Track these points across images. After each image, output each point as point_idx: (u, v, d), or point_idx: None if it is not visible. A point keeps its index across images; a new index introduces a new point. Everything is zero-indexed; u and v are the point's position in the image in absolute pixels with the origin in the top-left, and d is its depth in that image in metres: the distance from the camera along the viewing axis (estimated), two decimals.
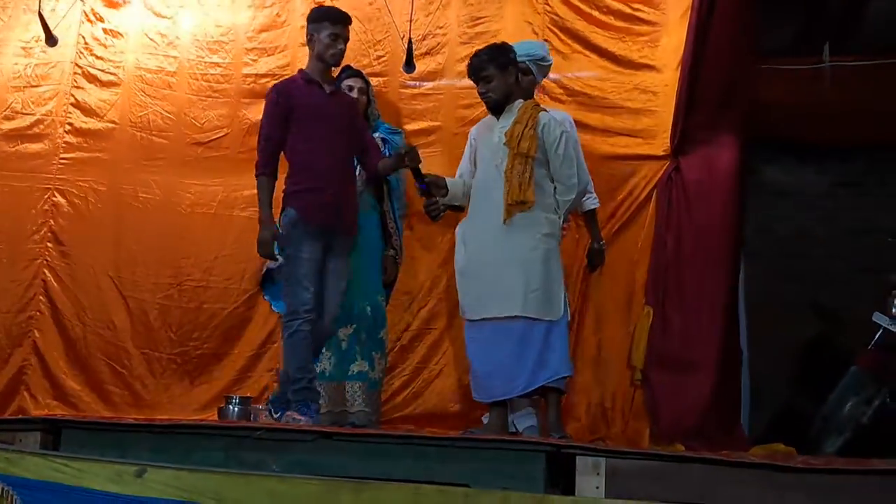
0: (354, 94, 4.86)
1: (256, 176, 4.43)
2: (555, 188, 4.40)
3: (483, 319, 4.33)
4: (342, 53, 4.50)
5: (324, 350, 4.70)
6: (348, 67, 4.98)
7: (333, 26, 4.47)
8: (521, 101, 4.50)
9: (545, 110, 4.48)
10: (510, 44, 4.58)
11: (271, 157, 4.44)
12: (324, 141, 4.44)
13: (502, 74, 4.40)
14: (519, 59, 4.53)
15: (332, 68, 4.58)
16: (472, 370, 4.41)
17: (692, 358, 4.78)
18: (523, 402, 4.47)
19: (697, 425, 4.70)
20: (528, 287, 4.24)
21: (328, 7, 4.70)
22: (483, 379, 4.34)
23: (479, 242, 4.39)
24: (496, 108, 4.47)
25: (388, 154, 4.80)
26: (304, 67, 4.58)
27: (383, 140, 4.94)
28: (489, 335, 4.30)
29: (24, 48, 5.59)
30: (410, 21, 4.94)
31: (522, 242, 4.29)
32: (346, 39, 4.52)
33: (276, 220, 4.45)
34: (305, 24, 4.57)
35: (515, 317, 4.25)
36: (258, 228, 4.38)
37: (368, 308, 4.80)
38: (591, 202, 4.83)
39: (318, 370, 4.62)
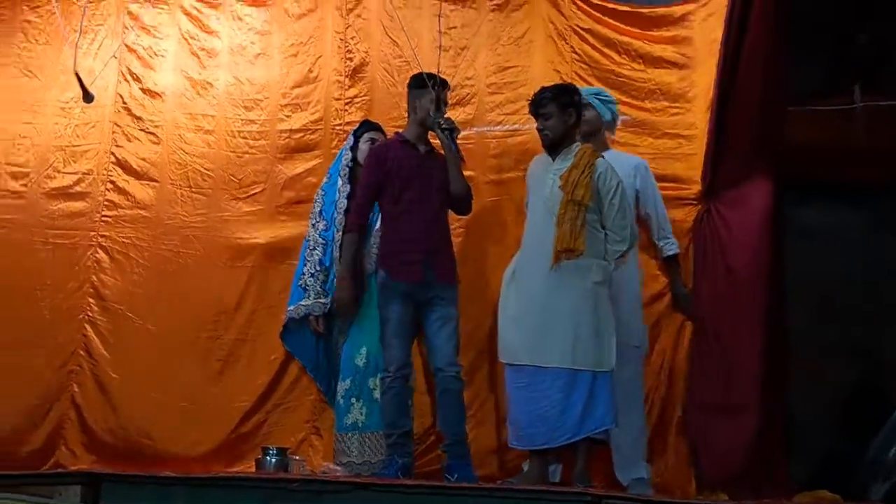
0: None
1: (345, 233, 4.74)
2: (606, 235, 4.36)
3: (526, 365, 4.28)
4: (449, 118, 4.69)
5: (354, 401, 4.75)
6: (367, 122, 5.14)
7: (442, 93, 4.71)
8: (580, 144, 4.49)
9: (602, 157, 4.45)
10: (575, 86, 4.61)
11: (361, 217, 4.73)
12: (415, 202, 4.64)
13: (562, 114, 4.42)
14: (585, 96, 4.64)
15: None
16: (511, 417, 4.36)
17: (733, 402, 4.73)
18: (560, 452, 4.40)
19: (741, 471, 4.63)
20: (578, 337, 4.20)
21: (430, 74, 4.80)
22: (525, 427, 4.28)
23: (529, 286, 4.35)
24: (552, 148, 4.46)
25: None
26: (400, 130, 4.83)
27: None
28: (534, 381, 4.24)
29: (62, 108, 5.69)
30: (437, 71, 4.97)
31: (573, 290, 4.26)
32: (447, 102, 4.72)
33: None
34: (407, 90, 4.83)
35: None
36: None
37: None
38: (670, 247, 4.81)
39: (350, 422, 4.72)
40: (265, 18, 5.73)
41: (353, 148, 5.09)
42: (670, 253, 4.77)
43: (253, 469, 4.68)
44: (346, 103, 5.54)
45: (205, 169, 5.54)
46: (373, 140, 5.02)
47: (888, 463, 4.90)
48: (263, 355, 5.26)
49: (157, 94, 5.68)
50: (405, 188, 4.66)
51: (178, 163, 5.56)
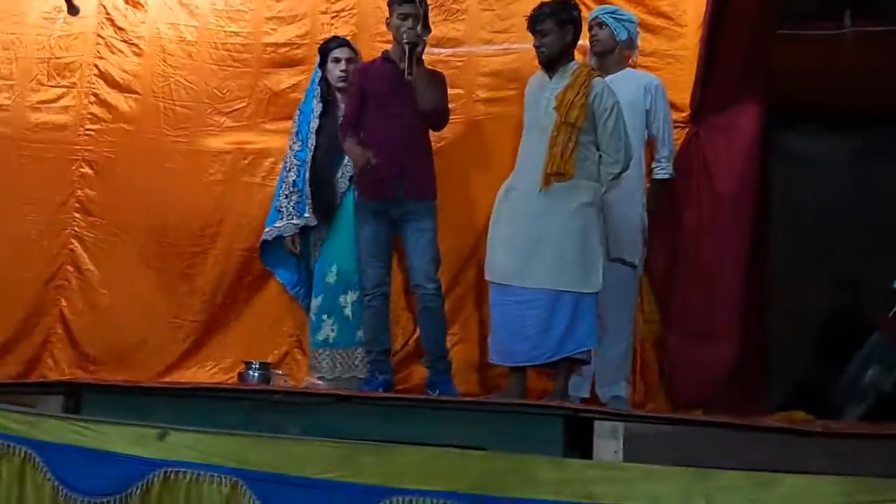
0: (342, 66, 4.92)
1: (342, 142, 4.71)
2: (600, 157, 4.33)
3: (511, 285, 4.28)
4: (415, 32, 4.58)
5: (325, 317, 4.78)
6: (335, 38, 5.07)
7: (401, 6, 4.62)
8: (577, 62, 4.43)
9: (600, 76, 4.39)
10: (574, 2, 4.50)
11: (349, 129, 4.70)
12: (388, 119, 4.63)
13: (560, 31, 4.33)
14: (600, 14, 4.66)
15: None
16: (493, 333, 4.37)
17: (712, 329, 4.76)
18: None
19: (717, 394, 4.68)
20: (563, 258, 4.20)
21: None
22: (507, 343, 4.28)
23: (519, 207, 4.32)
24: (548, 65, 4.39)
25: None
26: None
27: None
28: (518, 300, 4.24)
29: (45, 18, 5.59)
30: None
31: (561, 211, 4.23)
32: (417, 17, 4.61)
33: None
34: None
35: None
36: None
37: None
38: (661, 171, 4.75)
39: (322, 338, 4.76)
40: None
41: (322, 65, 5.02)
42: (659, 176, 4.72)
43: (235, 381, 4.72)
44: (333, 17, 5.45)
45: (187, 82, 5.47)
46: (337, 59, 4.95)
47: (863, 385, 4.98)
48: (248, 269, 5.27)
49: (140, 3, 5.58)
50: (380, 105, 4.65)
51: (160, 75, 5.49)
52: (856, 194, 6.93)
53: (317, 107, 5.00)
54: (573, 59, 4.43)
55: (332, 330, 4.80)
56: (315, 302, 4.89)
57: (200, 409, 3.86)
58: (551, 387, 4.32)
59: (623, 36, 4.74)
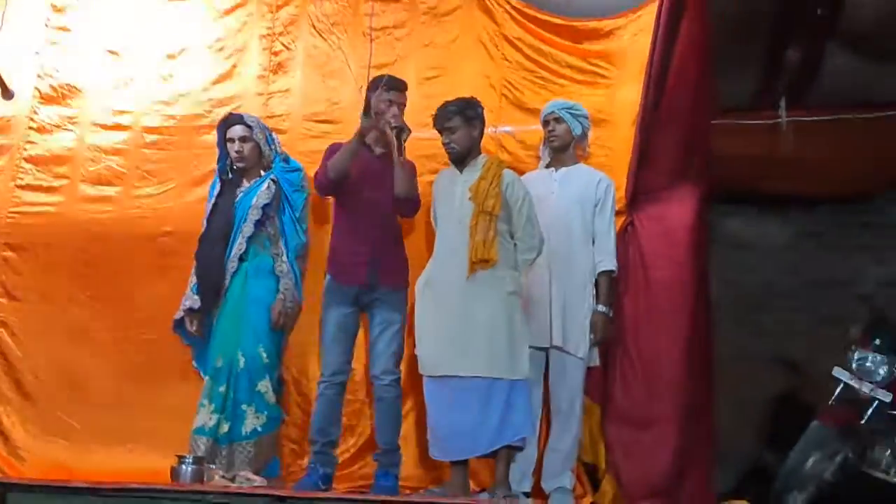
0: (237, 146, 4.87)
1: (322, 192, 4.78)
2: (515, 245, 4.38)
3: (445, 376, 4.27)
4: (399, 117, 4.60)
5: (206, 402, 4.64)
6: (231, 115, 5.01)
7: (387, 92, 4.64)
8: (486, 156, 4.52)
9: (507, 168, 4.49)
10: (477, 99, 4.58)
11: (321, 179, 4.70)
12: (364, 204, 4.63)
13: (467, 127, 4.43)
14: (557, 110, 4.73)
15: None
16: (430, 428, 4.33)
17: (654, 416, 4.72)
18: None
19: (663, 485, 4.63)
20: (493, 346, 4.21)
21: (385, 76, 4.77)
22: (445, 438, 4.26)
23: (444, 297, 4.34)
24: (458, 160, 4.48)
25: (282, 193, 4.86)
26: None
27: (274, 181, 4.89)
28: (451, 393, 4.23)
29: None
30: (368, 73, 4.93)
31: (487, 300, 4.26)
32: (402, 104, 4.65)
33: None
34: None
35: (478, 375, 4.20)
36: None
37: (242, 359, 4.67)
38: (605, 263, 4.66)
39: (200, 423, 4.60)
40: (190, 13, 5.61)
41: (221, 143, 4.96)
42: (603, 269, 4.69)
43: (168, 477, 4.56)
44: (269, 97, 5.44)
45: (118, 166, 5.41)
46: (231, 139, 4.87)
47: (804, 475, 4.95)
48: (177, 351, 5.07)
49: (77, 88, 5.54)
50: (355, 189, 4.65)
51: (90, 160, 5.42)
52: (796, 277, 7.03)
53: (215, 186, 4.95)
54: (480, 152, 4.53)
55: (210, 418, 4.61)
56: (206, 383, 4.72)
57: None
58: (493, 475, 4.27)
59: (578, 131, 4.79)
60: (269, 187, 4.88)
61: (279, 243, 4.87)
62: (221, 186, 4.93)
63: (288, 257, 4.86)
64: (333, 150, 4.75)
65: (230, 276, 4.77)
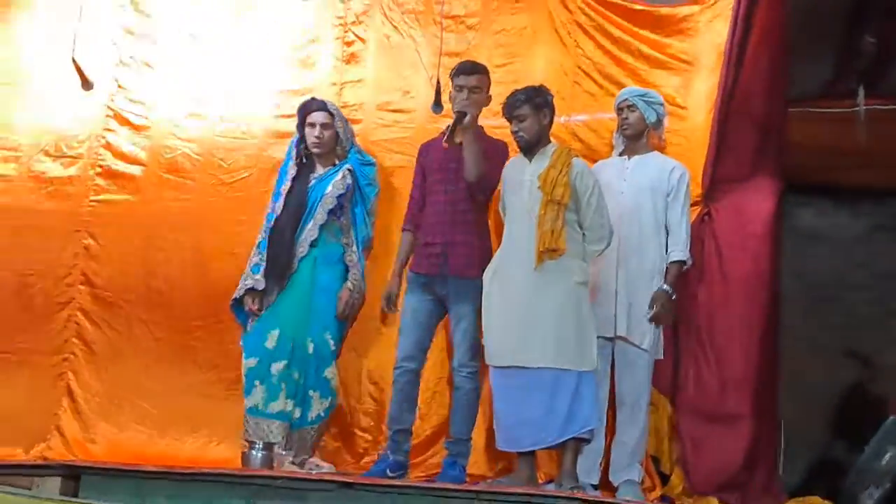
0: (317, 132, 4.89)
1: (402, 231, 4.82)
2: (584, 235, 4.34)
3: (512, 367, 4.25)
4: (467, 103, 4.57)
5: (258, 383, 4.68)
6: (314, 100, 5.01)
7: (457, 77, 4.63)
8: (555, 144, 4.48)
9: (578, 156, 4.45)
10: (546, 87, 4.54)
11: (410, 215, 4.79)
12: (438, 193, 4.67)
13: (536, 115, 4.39)
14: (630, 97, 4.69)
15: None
16: (497, 419, 4.32)
17: (727, 411, 4.66)
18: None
19: (733, 479, 4.58)
20: (561, 337, 4.18)
21: (460, 62, 4.77)
22: (511, 429, 4.25)
23: (511, 287, 4.31)
24: (527, 149, 4.44)
25: (356, 185, 4.93)
26: None
27: (351, 171, 4.94)
28: (519, 383, 4.21)
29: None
30: (440, 61, 4.91)
31: (555, 290, 4.23)
32: (477, 89, 4.63)
33: None
34: None
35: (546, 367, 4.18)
36: None
37: (311, 345, 4.73)
38: (677, 253, 4.58)
39: (252, 404, 4.66)
40: (264, 2, 5.63)
41: (301, 126, 4.98)
42: (674, 259, 4.59)
43: (239, 463, 4.61)
44: (341, 87, 5.43)
45: (194, 154, 5.45)
46: (312, 124, 4.91)
47: (880, 470, 4.88)
48: None
49: (150, 65, 5.61)
50: (434, 181, 4.70)
51: (168, 147, 5.47)
52: (868, 270, 6.90)
53: (291, 169, 4.94)
54: (550, 141, 4.48)
55: (261, 397, 4.66)
56: (249, 363, 4.73)
57: (201, 494, 3.79)
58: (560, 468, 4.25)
59: (652, 118, 4.72)
60: (344, 177, 4.91)
61: (350, 233, 4.92)
62: (298, 169, 4.94)
63: (357, 248, 4.91)
64: (421, 150, 4.85)
65: (298, 260, 4.80)
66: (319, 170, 4.97)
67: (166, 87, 5.57)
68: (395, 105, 5.36)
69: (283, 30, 5.58)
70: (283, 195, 4.89)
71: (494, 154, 4.65)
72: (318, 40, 5.54)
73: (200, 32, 5.63)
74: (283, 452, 4.58)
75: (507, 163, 4.60)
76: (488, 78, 4.73)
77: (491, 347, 4.35)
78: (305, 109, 4.96)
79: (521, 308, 4.25)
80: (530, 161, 4.44)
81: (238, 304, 4.90)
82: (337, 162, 4.99)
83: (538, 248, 4.23)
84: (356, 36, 5.50)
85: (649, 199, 4.56)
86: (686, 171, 4.68)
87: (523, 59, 5.29)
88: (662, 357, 4.61)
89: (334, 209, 4.86)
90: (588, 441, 4.26)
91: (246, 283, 4.84)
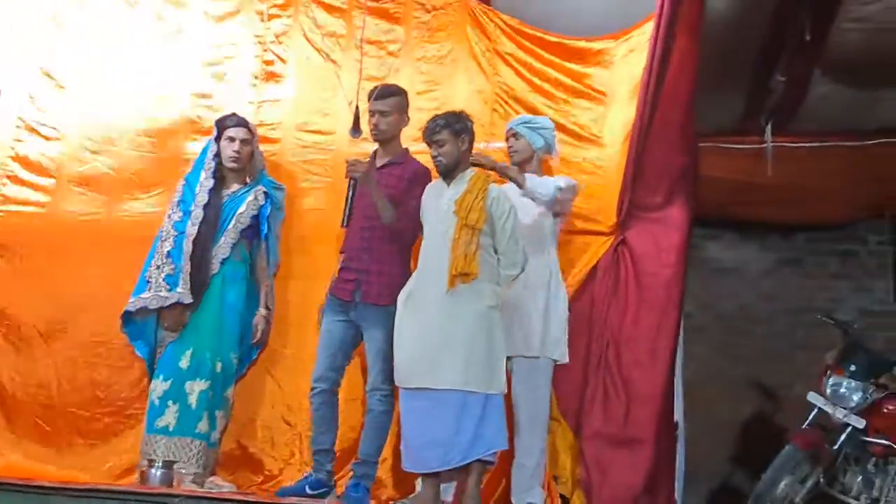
0: (236, 146, 4.89)
1: None
2: (498, 261, 4.39)
3: (420, 389, 4.25)
4: (378, 127, 4.65)
5: (170, 403, 4.63)
6: (234, 115, 5.02)
7: (370, 103, 4.66)
8: (473, 170, 4.51)
9: (494, 183, 4.49)
10: (466, 113, 4.58)
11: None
12: (359, 220, 4.62)
13: (455, 140, 4.42)
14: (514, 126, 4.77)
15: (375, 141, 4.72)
16: (404, 440, 4.32)
17: (631, 435, 4.72)
18: (452, 473, 4.39)
19: (634, 501, 4.64)
20: (470, 360, 4.20)
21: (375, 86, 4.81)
22: (419, 450, 4.25)
23: (423, 310, 4.32)
24: (445, 173, 4.47)
25: (267, 207, 4.92)
26: None
27: (265, 194, 4.97)
28: (426, 405, 4.22)
29: None
30: (359, 86, 4.92)
31: (466, 313, 4.25)
32: (386, 113, 4.64)
33: None
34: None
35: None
36: None
37: (219, 364, 4.73)
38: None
39: (162, 424, 4.60)
40: (183, 19, 5.59)
41: (217, 139, 4.96)
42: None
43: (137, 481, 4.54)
44: (259, 106, 5.42)
45: (106, 168, 5.37)
46: (231, 138, 4.90)
47: (775, 498, 4.99)
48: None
49: (61, 87, 5.51)
50: (358, 203, 4.63)
51: (79, 160, 5.37)
52: (775, 303, 7.09)
53: (207, 181, 4.88)
54: (469, 166, 4.52)
55: (174, 417, 4.61)
56: (161, 385, 4.66)
57: None
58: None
59: (539, 143, 4.80)
60: (256, 197, 4.92)
61: (263, 255, 4.95)
62: (213, 183, 4.90)
63: (269, 271, 4.95)
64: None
65: (211, 276, 4.79)
66: (233, 186, 4.96)
67: (77, 101, 5.47)
68: (314, 126, 5.35)
69: (200, 47, 5.55)
70: (201, 207, 4.84)
71: (415, 182, 4.67)
72: (236, 57, 5.52)
73: (118, 46, 5.56)
74: (184, 470, 4.52)
75: (427, 187, 4.62)
76: (404, 100, 4.75)
77: (400, 369, 4.34)
78: (225, 123, 4.94)
79: (433, 330, 4.26)
80: (448, 185, 4.48)
81: (130, 316, 4.80)
82: (248, 181, 5.00)
83: (451, 272, 4.25)
84: (276, 55, 5.49)
85: (545, 215, 4.66)
86: (573, 183, 4.72)
87: (444, 86, 5.35)
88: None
89: (245, 229, 4.86)
90: (492, 464, 4.28)
91: (160, 294, 4.72)
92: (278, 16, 5.54)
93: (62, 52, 5.58)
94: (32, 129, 5.44)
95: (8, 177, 5.37)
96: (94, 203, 5.32)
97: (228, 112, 5.12)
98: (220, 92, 5.47)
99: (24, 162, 5.39)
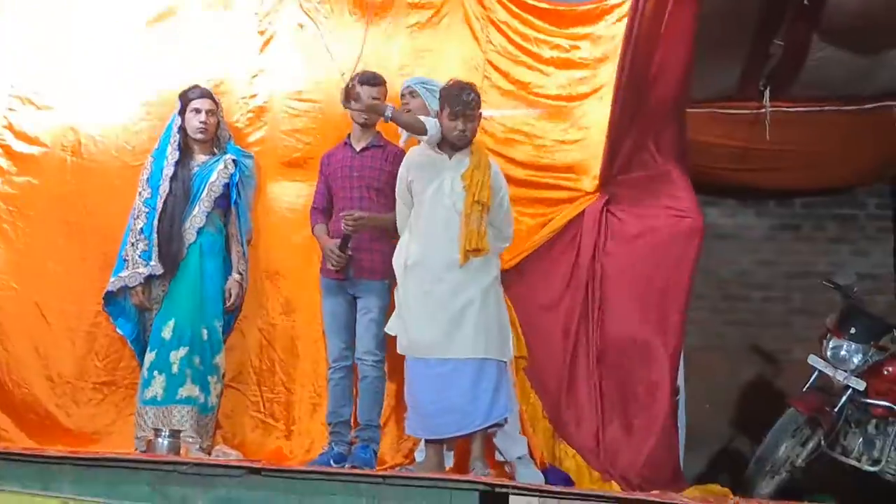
0: (202, 117, 4.94)
1: (312, 227, 4.90)
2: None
3: (436, 358, 4.26)
4: (362, 115, 4.71)
5: (156, 373, 4.72)
6: (197, 87, 5.05)
7: (362, 86, 4.69)
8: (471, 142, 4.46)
9: (491, 156, 4.53)
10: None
11: (316, 215, 4.89)
12: (343, 201, 4.76)
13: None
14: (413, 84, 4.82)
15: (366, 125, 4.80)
16: (416, 406, 4.32)
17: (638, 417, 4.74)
18: (457, 439, 4.41)
19: (636, 468, 4.67)
20: (485, 329, 4.26)
21: (363, 72, 4.86)
22: (433, 417, 4.26)
23: (431, 282, 4.32)
24: (456, 146, 4.40)
25: (237, 175, 4.99)
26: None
27: (234, 161, 5.02)
28: (442, 372, 4.24)
29: None
30: (359, 59, 4.99)
31: (479, 284, 4.30)
32: (376, 100, 4.67)
33: None
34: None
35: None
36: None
37: (205, 332, 4.81)
38: None
39: (150, 395, 4.70)
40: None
41: (181, 113, 4.98)
42: None
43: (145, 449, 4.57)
44: (254, 76, 5.39)
45: (98, 135, 5.33)
46: (197, 110, 4.94)
47: (777, 460, 5.03)
48: None
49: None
50: (340, 188, 4.80)
51: (71, 128, 5.33)
52: (773, 269, 7.10)
53: (173, 154, 4.93)
54: None
55: (161, 387, 4.70)
56: (149, 356, 4.77)
57: (105, 480, 3.70)
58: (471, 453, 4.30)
59: (434, 105, 4.69)
60: (226, 166, 4.97)
61: (234, 224, 5.01)
62: (179, 155, 4.93)
63: (241, 239, 5.00)
64: (323, 159, 4.93)
65: (187, 246, 4.84)
66: (200, 157, 4.99)
67: (61, 70, 5.42)
68: (307, 94, 5.33)
69: (194, 16, 5.48)
70: (167, 180, 4.88)
71: (396, 165, 4.69)
72: (231, 26, 5.46)
73: (111, 21, 5.50)
74: (191, 439, 4.56)
75: (413, 152, 4.55)
76: (386, 89, 4.83)
77: (415, 340, 4.33)
78: (189, 95, 4.98)
79: (445, 302, 4.27)
80: (450, 158, 4.40)
81: (113, 297, 4.89)
82: (216, 152, 5.04)
83: (465, 247, 4.27)
84: (270, 24, 5.43)
85: None
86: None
87: (436, 53, 5.30)
88: None
89: (219, 197, 4.91)
90: (502, 426, 4.34)
91: (138, 271, 4.82)
92: None
93: (54, 20, 5.50)
94: (25, 99, 5.38)
95: (1, 146, 5.34)
96: (84, 171, 5.30)
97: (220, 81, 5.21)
98: (215, 63, 5.39)
99: (16, 132, 5.35)
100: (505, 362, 4.33)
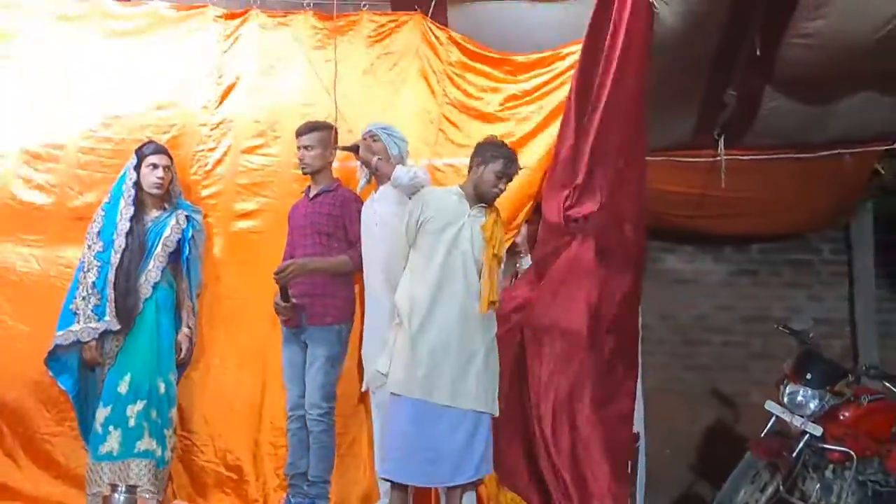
0: (159, 172, 4.96)
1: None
2: None
3: (435, 404, 4.23)
4: (303, 160, 4.87)
5: (111, 429, 4.68)
6: (152, 143, 5.09)
7: (298, 139, 4.88)
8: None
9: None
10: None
11: None
12: (301, 248, 4.83)
13: None
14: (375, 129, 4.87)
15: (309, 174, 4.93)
16: (397, 450, 4.24)
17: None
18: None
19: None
20: (485, 383, 4.29)
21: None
22: (421, 463, 4.20)
23: (441, 329, 4.28)
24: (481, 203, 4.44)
25: (189, 230, 5.01)
26: None
27: (186, 217, 5.06)
28: (442, 420, 4.22)
29: None
30: (336, 108, 5.14)
31: (484, 338, 4.33)
32: (310, 147, 4.84)
33: None
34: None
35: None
36: None
37: (162, 385, 4.80)
38: None
39: (105, 451, 4.65)
40: (135, 43, 5.56)
41: (137, 168, 4.99)
42: None
43: None
44: (212, 129, 5.43)
45: (49, 185, 5.31)
46: (154, 165, 4.96)
47: None
48: None
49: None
50: (296, 236, 4.88)
51: (22, 178, 5.31)
52: (731, 313, 7.18)
53: (127, 209, 4.93)
54: None
55: (117, 442, 4.66)
56: (104, 412, 4.72)
57: None
58: None
59: (395, 151, 4.83)
60: (178, 221, 5.00)
61: (184, 278, 5.03)
62: (135, 210, 4.94)
63: (191, 292, 5.02)
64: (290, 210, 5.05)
65: (143, 301, 4.84)
66: (153, 212, 5.01)
67: (26, 117, 5.40)
68: (262, 150, 5.40)
69: (153, 65, 5.51)
70: (123, 235, 4.87)
71: (344, 209, 4.84)
72: (187, 78, 5.49)
73: (63, 60, 5.50)
74: (148, 494, 4.51)
75: (431, 193, 4.52)
76: (328, 134, 4.91)
77: (413, 377, 4.24)
78: (144, 151, 5.00)
79: (453, 348, 4.25)
80: (471, 207, 4.40)
81: (57, 353, 4.83)
82: (167, 207, 5.05)
83: (487, 297, 4.29)
84: (228, 74, 5.49)
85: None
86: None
87: (393, 106, 5.38)
88: None
89: (172, 252, 4.94)
90: (482, 482, 4.44)
91: (91, 326, 4.78)
92: (233, 34, 5.55)
93: (5, 61, 5.49)
94: None
95: None
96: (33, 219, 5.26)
97: (176, 133, 5.32)
98: (171, 113, 5.43)
99: None
100: (493, 417, 4.32)
